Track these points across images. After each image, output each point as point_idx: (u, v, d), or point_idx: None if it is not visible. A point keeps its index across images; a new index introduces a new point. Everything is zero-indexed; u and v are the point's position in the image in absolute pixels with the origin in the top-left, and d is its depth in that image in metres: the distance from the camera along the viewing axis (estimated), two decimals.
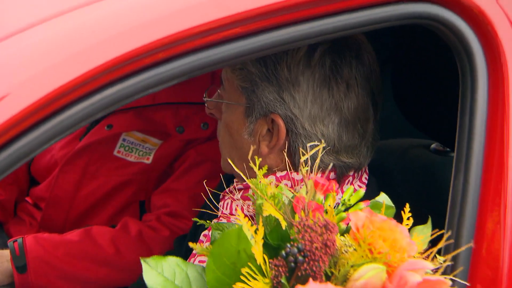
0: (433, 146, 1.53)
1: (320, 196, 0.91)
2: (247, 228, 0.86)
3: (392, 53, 1.34)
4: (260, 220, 0.90)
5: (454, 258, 1.06)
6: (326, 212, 0.90)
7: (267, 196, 0.90)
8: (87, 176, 1.79)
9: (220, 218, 1.34)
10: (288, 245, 0.86)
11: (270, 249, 0.89)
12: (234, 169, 1.33)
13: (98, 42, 0.95)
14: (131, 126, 1.79)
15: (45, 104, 0.92)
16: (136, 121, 1.78)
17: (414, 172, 1.50)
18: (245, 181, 1.32)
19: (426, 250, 0.93)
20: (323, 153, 1.26)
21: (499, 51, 1.07)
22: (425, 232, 0.97)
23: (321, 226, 0.84)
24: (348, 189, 0.94)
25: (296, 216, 0.90)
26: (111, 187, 1.78)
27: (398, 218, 1.32)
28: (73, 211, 1.80)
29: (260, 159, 1.27)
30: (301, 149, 1.26)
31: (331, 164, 1.24)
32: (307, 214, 0.89)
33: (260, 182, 0.93)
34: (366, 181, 1.34)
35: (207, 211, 1.46)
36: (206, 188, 1.66)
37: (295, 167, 1.28)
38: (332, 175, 1.29)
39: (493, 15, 1.08)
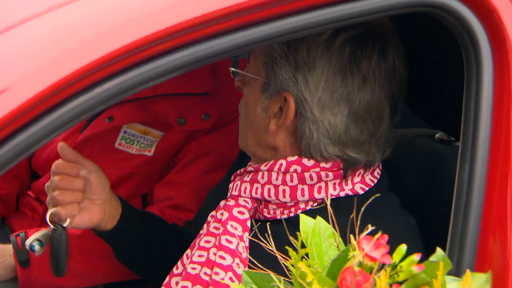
0: (437, 135, 1.52)
1: (368, 263, 0.82)
2: None
3: None
4: None
5: (461, 249, 1.05)
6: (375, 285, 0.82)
7: None
8: None
9: (229, 199, 1.34)
10: None
11: None
12: (248, 146, 1.34)
13: (98, 35, 0.94)
14: (132, 118, 1.77)
15: (45, 97, 0.91)
16: (137, 113, 1.77)
17: (419, 162, 1.49)
18: (257, 163, 1.33)
19: None
20: (328, 142, 1.25)
21: (505, 39, 1.06)
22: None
23: None
24: (398, 250, 0.84)
25: None
26: (113, 180, 1.76)
27: (407, 208, 1.31)
28: None
29: (268, 137, 1.28)
30: (306, 134, 1.25)
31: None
32: None
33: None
34: (378, 176, 1.33)
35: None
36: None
37: (302, 152, 1.28)
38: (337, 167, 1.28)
39: (498, 1, 1.06)
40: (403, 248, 0.84)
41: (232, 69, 1.36)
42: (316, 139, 1.26)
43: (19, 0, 1.05)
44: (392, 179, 1.37)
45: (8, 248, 1.62)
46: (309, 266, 0.84)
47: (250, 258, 1.17)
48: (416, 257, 0.83)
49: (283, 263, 0.86)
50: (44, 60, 0.92)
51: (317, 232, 0.89)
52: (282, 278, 0.87)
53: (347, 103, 1.24)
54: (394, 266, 0.83)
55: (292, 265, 0.85)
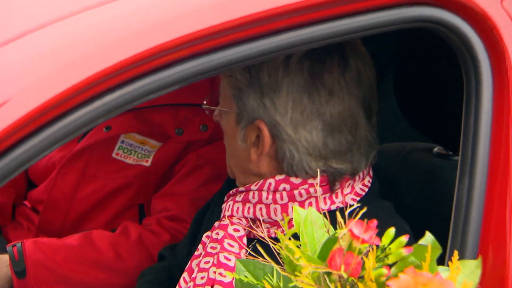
0: (435, 149, 1.52)
1: (357, 245, 0.82)
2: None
3: (395, 56, 1.33)
4: None
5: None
6: (364, 266, 0.82)
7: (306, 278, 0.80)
8: (86, 178, 1.78)
9: (222, 219, 1.34)
10: None
11: None
12: (235, 175, 1.36)
13: (98, 48, 0.94)
14: (130, 128, 1.77)
15: (46, 110, 0.91)
16: (135, 122, 1.77)
17: (417, 176, 1.49)
18: (247, 183, 1.34)
19: None
20: (309, 159, 1.26)
21: (504, 55, 1.07)
22: (475, 273, 0.89)
23: None
24: (387, 233, 0.85)
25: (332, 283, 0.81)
26: (110, 189, 1.77)
27: (408, 223, 1.31)
28: (71, 214, 1.78)
29: (252, 166, 1.29)
30: (287, 155, 1.25)
31: (319, 171, 1.24)
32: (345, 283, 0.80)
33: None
34: (369, 184, 1.32)
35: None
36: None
37: (287, 173, 1.28)
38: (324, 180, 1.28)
39: (498, 18, 1.07)
40: (391, 231, 0.84)
41: (205, 106, 1.37)
42: (298, 158, 1.26)
43: (21, 12, 1.05)
44: (389, 192, 1.37)
45: (5, 258, 1.61)
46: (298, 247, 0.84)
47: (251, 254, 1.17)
48: (404, 238, 0.84)
49: (274, 248, 0.85)
50: (45, 73, 0.92)
51: (309, 221, 0.89)
52: (274, 263, 0.86)
53: (319, 118, 1.24)
54: (383, 249, 0.84)
55: (281, 247, 0.84)
